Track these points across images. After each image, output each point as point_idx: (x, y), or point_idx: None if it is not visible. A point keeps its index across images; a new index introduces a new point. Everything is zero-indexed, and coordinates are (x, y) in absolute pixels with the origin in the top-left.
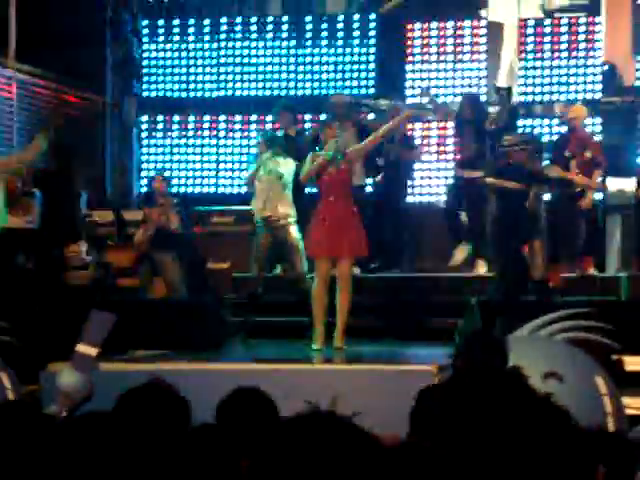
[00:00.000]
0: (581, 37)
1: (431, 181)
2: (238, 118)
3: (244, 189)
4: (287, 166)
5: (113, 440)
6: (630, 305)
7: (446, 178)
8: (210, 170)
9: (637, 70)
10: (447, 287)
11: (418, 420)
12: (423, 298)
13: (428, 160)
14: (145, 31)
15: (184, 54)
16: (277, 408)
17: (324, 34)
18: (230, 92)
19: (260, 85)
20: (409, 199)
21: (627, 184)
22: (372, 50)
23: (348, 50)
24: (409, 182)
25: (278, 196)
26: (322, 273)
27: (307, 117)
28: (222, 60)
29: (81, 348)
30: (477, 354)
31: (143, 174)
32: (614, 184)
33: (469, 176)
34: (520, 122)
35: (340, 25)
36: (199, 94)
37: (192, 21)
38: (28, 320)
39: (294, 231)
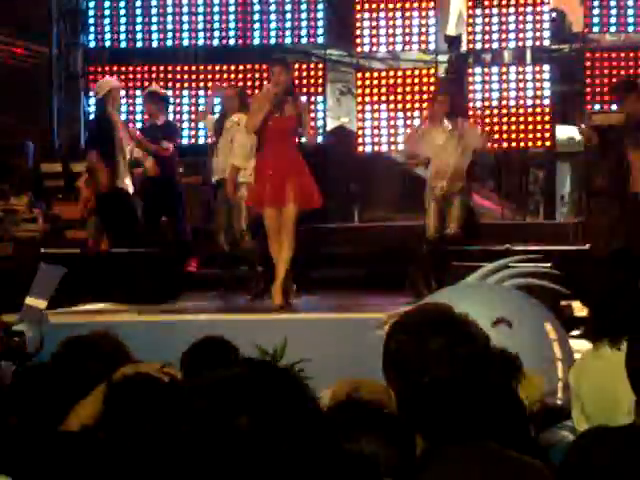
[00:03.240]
0: None
1: (382, 131)
2: (185, 68)
3: (192, 141)
4: None
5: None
6: (579, 251)
7: (396, 128)
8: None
9: (585, 17)
10: (397, 236)
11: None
12: (374, 247)
13: (378, 110)
14: None
15: (130, 4)
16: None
17: None
18: (177, 42)
19: (208, 35)
20: (360, 149)
21: (575, 132)
22: None
23: None
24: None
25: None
26: (268, 224)
27: (256, 67)
28: (169, 10)
29: (30, 301)
30: None
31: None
32: (563, 132)
33: None
34: (470, 70)
35: None
36: (146, 44)
37: None
38: None
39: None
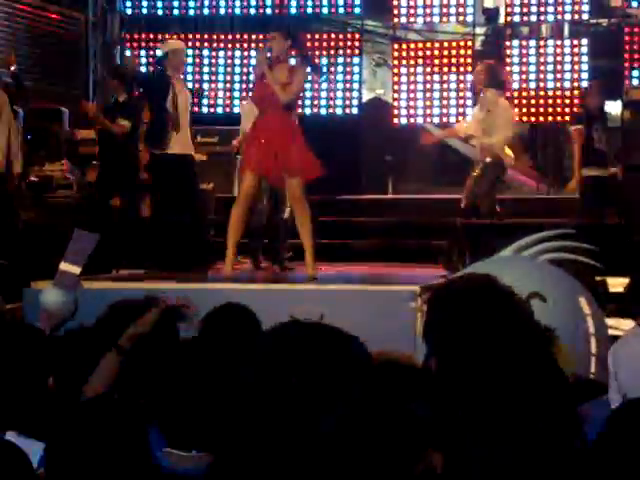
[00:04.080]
0: None
1: (417, 103)
2: (222, 37)
3: (227, 109)
4: None
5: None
6: (613, 226)
7: (432, 100)
8: (193, 90)
9: None
10: (432, 209)
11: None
12: (407, 219)
13: (414, 82)
14: None
15: None
16: (261, 325)
17: None
18: (214, 10)
19: (245, 3)
20: (395, 121)
21: (613, 107)
22: None
23: None
24: None
25: None
26: (244, 187)
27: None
28: None
29: (64, 267)
30: None
31: None
32: None
33: None
34: (507, 43)
35: None
36: (182, 12)
37: None
38: (12, 238)
39: None
